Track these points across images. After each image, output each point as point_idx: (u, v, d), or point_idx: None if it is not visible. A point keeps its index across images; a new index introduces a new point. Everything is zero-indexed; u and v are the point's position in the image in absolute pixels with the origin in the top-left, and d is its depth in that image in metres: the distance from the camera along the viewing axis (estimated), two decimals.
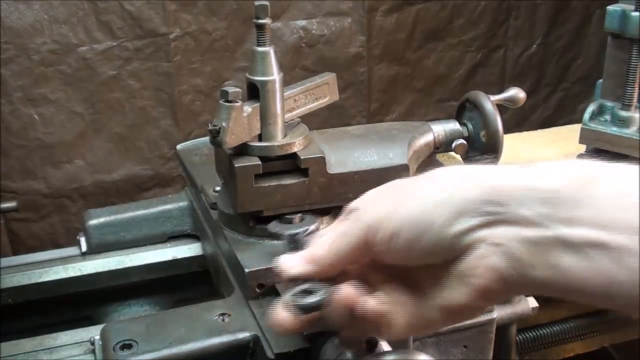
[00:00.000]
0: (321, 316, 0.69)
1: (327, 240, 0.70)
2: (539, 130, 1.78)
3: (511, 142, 1.40)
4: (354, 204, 0.72)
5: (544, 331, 1.34)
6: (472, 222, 0.62)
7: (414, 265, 0.68)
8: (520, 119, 2.76)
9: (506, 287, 0.62)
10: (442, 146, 1.11)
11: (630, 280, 0.56)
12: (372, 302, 0.68)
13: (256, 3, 0.92)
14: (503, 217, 0.60)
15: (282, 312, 0.70)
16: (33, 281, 1.12)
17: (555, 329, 1.35)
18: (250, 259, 0.93)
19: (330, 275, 0.71)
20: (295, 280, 0.71)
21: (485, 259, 0.61)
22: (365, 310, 0.67)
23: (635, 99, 1.34)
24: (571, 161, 0.62)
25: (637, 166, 0.59)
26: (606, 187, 0.58)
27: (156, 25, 2.15)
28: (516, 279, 0.61)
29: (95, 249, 1.17)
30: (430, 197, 0.64)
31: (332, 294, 0.68)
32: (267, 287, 0.91)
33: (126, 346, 0.83)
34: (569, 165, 0.61)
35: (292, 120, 1.01)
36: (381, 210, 0.67)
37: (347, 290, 0.67)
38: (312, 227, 0.83)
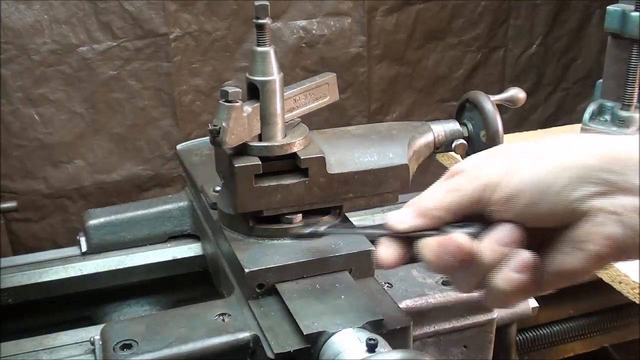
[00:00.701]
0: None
1: (437, 194, 0.72)
2: (539, 130, 1.78)
3: (511, 142, 1.40)
4: (459, 166, 0.73)
5: (544, 331, 1.34)
6: (592, 189, 0.63)
7: (528, 226, 0.68)
8: (520, 119, 2.76)
9: (620, 253, 0.64)
10: (442, 146, 1.11)
11: None
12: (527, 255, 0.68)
13: (256, 3, 0.92)
14: (621, 186, 0.62)
15: (384, 249, 0.73)
16: (33, 281, 1.13)
17: (555, 329, 1.35)
18: (250, 259, 0.93)
19: (441, 225, 0.72)
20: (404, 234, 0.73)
21: (603, 226, 0.63)
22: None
23: (635, 99, 1.35)
24: None
25: None
26: None
27: (156, 26, 2.15)
28: (631, 246, 0.63)
29: (95, 249, 1.17)
30: (550, 160, 0.65)
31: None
32: (267, 287, 0.91)
33: (126, 346, 0.83)
34: None
35: (292, 120, 1.01)
36: (499, 171, 0.68)
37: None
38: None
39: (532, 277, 0.68)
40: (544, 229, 0.68)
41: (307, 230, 0.92)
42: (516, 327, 1.17)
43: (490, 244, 0.68)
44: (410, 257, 0.75)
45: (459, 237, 0.69)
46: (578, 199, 0.64)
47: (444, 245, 0.69)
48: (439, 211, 0.71)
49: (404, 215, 0.73)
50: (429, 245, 0.71)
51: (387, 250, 0.74)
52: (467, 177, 0.71)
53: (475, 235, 0.70)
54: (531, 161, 0.67)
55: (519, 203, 0.67)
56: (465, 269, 0.69)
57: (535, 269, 0.68)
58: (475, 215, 0.71)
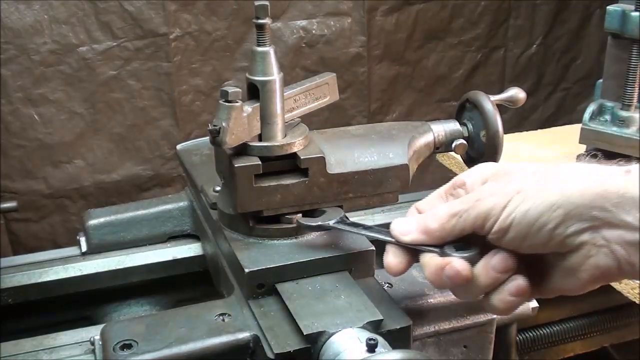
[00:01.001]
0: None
1: (441, 215, 0.77)
2: (539, 130, 1.78)
3: (511, 142, 1.40)
4: (463, 178, 0.80)
5: (544, 331, 1.34)
6: (581, 225, 0.69)
7: (523, 253, 0.74)
8: (520, 119, 2.76)
9: (609, 277, 0.72)
10: (442, 146, 1.11)
11: None
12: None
13: (256, 3, 0.92)
14: (607, 220, 0.68)
15: (391, 257, 0.81)
16: (33, 281, 1.12)
17: (555, 329, 1.35)
18: (250, 259, 0.93)
19: (442, 243, 0.78)
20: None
21: (591, 257, 0.70)
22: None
23: (635, 99, 1.34)
24: None
25: None
26: None
27: (156, 26, 2.15)
28: (617, 273, 0.70)
29: (95, 249, 1.17)
30: (542, 199, 0.70)
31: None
32: (267, 287, 0.91)
33: (126, 346, 0.83)
34: None
35: (292, 120, 1.01)
36: (496, 203, 0.73)
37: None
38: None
39: (527, 298, 0.76)
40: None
41: (316, 224, 0.95)
42: (516, 327, 1.17)
43: (486, 269, 0.75)
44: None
45: (458, 263, 0.75)
46: (568, 235, 0.70)
47: (443, 269, 0.76)
48: (441, 232, 0.77)
49: (408, 227, 0.80)
50: (429, 266, 0.78)
51: (395, 259, 0.81)
52: (469, 203, 0.75)
53: (472, 260, 0.77)
54: (529, 197, 0.71)
55: (514, 237, 0.72)
56: (463, 288, 0.77)
57: (530, 292, 0.75)
58: (476, 236, 0.77)
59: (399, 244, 0.81)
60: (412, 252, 0.81)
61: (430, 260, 0.78)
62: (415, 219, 0.80)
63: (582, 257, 0.71)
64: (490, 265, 0.75)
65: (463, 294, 0.79)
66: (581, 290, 0.75)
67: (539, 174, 0.74)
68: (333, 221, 0.95)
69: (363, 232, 0.91)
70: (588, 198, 0.68)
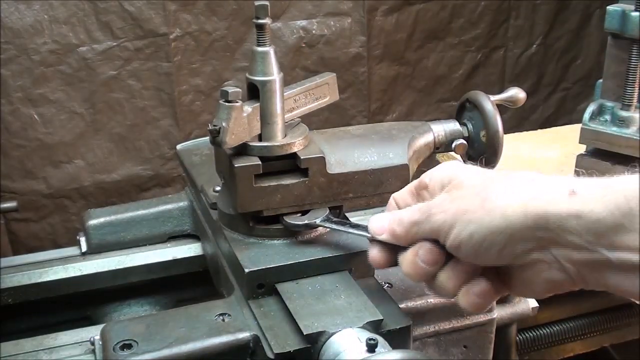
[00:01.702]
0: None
1: (404, 222, 0.80)
2: (539, 130, 1.78)
3: (511, 142, 1.40)
4: (425, 179, 0.84)
5: (544, 331, 1.34)
6: (527, 246, 0.70)
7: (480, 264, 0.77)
8: (520, 119, 2.76)
9: (564, 289, 0.73)
10: (442, 146, 1.11)
11: None
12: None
13: (256, 3, 0.92)
14: (553, 240, 0.69)
15: (374, 251, 0.85)
16: (33, 281, 1.12)
17: (555, 329, 1.35)
18: (250, 259, 0.93)
19: (410, 244, 0.81)
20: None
21: (544, 272, 0.72)
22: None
23: (635, 99, 1.34)
24: (613, 181, 0.67)
25: None
26: None
27: (156, 26, 2.15)
28: (571, 285, 0.72)
29: (95, 249, 1.17)
30: (485, 224, 0.71)
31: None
32: (267, 287, 0.91)
33: (126, 346, 0.83)
34: (612, 188, 0.66)
35: (292, 120, 1.01)
36: (445, 221, 0.75)
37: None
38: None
39: (491, 299, 0.78)
40: None
41: (302, 222, 0.96)
42: (516, 327, 1.17)
43: (449, 275, 0.78)
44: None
45: (427, 245, 0.78)
46: (518, 254, 0.71)
47: (417, 255, 0.79)
48: (406, 237, 0.80)
49: (382, 226, 0.83)
50: (404, 261, 0.81)
51: (378, 253, 0.84)
52: (425, 214, 0.78)
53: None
54: (473, 221, 0.72)
55: (466, 254, 0.74)
56: (435, 288, 0.80)
57: (495, 293, 0.77)
58: None
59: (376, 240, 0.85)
60: (393, 248, 0.83)
61: (403, 255, 0.81)
62: (388, 218, 0.83)
63: (536, 272, 0.72)
64: (452, 270, 0.78)
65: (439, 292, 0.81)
66: (542, 297, 0.78)
67: (485, 190, 0.74)
68: (319, 219, 0.96)
69: (350, 230, 0.91)
70: (530, 220, 0.69)
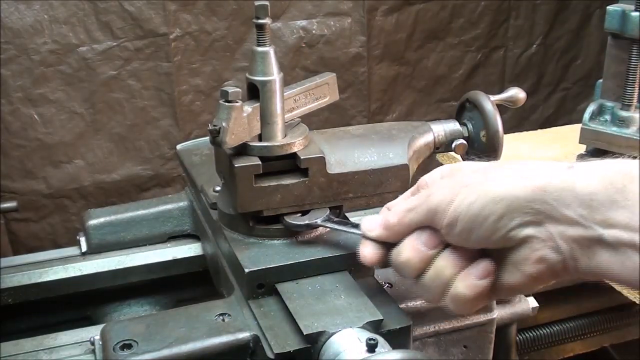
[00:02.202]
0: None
1: (399, 211, 0.81)
2: (539, 130, 1.78)
3: (511, 142, 1.40)
4: (424, 178, 0.83)
5: (544, 331, 1.34)
6: (523, 219, 0.70)
7: (470, 248, 0.76)
8: (520, 119, 2.76)
9: (555, 274, 0.72)
10: (442, 146, 1.11)
11: None
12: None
13: (256, 3, 0.92)
14: (549, 214, 0.69)
15: (366, 249, 0.84)
16: (33, 281, 1.12)
17: (555, 329, 1.35)
18: (250, 259, 0.93)
19: (401, 238, 0.80)
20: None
21: (536, 251, 0.71)
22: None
23: (635, 99, 1.34)
24: (611, 161, 0.69)
25: None
26: (638, 189, 0.65)
27: (156, 25, 2.15)
28: (562, 269, 0.71)
29: (95, 249, 1.17)
30: (485, 192, 0.72)
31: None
32: (267, 287, 0.91)
33: (126, 346, 0.83)
34: (608, 166, 0.68)
35: (292, 120, 1.01)
36: (445, 196, 0.75)
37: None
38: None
39: (491, 283, 0.75)
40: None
41: (303, 222, 0.96)
42: (516, 327, 1.17)
43: (447, 258, 0.77)
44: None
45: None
46: (512, 228, 0.71)
47: (418, 235, 0.79)
48: (399, 227, 0.80)
49: (374, 224, 0.84)
50: (396, 256, 0.80)
51: (368, 250, 0.84)
52: (422, 199, 0.78)
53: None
54: (471, 192, 0.73)
55: (462, 230, 0.74)
56: (431, 278, 0.78)
57: (494, 275, 0.76)
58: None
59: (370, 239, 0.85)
60: (384, 246, 0.83)
61: (402, 243, 0.80)
62: (381, 216, 0.84)
63: (528, 251, 0.72)
64: (450, 254, 0.77)
65: (431, 287, 0.79)
66: (528, 288, 0.77)
67: (486, 170, 0.76)
68: (320, 219, 0.96)
69: (351, 230, 0.91)
70: (530, 191, 0.69)
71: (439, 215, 0.75)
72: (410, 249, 0.79)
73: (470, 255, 0.76)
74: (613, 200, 0.65)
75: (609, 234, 0.66)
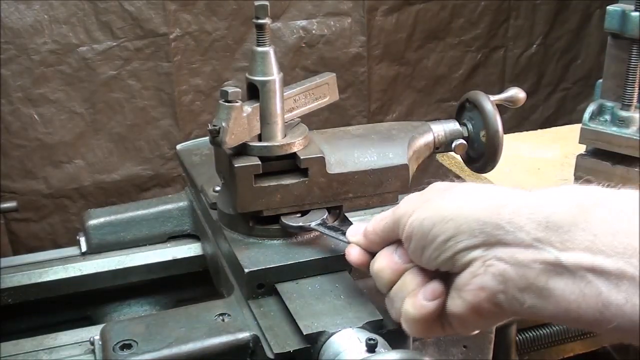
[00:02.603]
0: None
1: (375, 219, 0.81)
2: (539, 130, 1.78)
3: (511, 142, 1.40)
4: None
5: (544, 331, 1.34)
6: (471, 242, 0.66)
7: (424, 267, 0.74)
8: (520, 119, 2.76)
9: (496, 307, 0.66)
10: (442, 146, 1.11)
11: (629, 304, 0.57)
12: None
13: (256, 3, 0.92)
14: (501, 238, 0.64)
15: (352, 249, 0.85)
16: (33, 281, 1.12)
17: (555, 329, 1.34)
18: (250, 259, 0.93)
19: (378, 248, 0.81)
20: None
21: (476, 277, 0.66)
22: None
23: (635, 99, 1.34)
24: (572, 187, 0.65)
25: (637, 191, 0.61)
26: (604, 211, 0.60)
27: (156, 25, 2.15)
28: (504, 300, 0.65)
29: (95, 249, 1.17)
30: (438, 211, 0.70)
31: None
32: (267, 287, 0.91)
33: (126, 346, 0.83)
34: (570, 191, 0.64)
35: (292, 120, 1.01)
36: (407, 209, 0.74)
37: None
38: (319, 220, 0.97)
39: (439, 307, 0.71)
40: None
41: (297, 224, 0.96)
42: (516, 327, 1.17)
43: (413, 274, 0.75)
44: None
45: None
46: (460, 250, 0.67)
47: (394, 247, 0.78)
48: (374, 235, 0.81)
49: (357, 230, 0.85)
50: (374, 260, 0.81)
51: (354, 251, 0.85)
52: (393, 209, 0.78)
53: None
54: (429, 208, 0.72)
55: (415, 246, 0.73)
56: (395, 292, 0.77)
57: (444, 298, 0.72)
58: None
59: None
60: (372, 255, 0.83)
61: (379, 253, 0.80)
62: (364, 224, 0.85)
63: (469, 275, 0.67)
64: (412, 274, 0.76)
65: (392, 306, 0.78)
66: (473, 322, 0.70)
67: (450, 189, 0.74)
68: (314, 223, 0.96)
69: (340, 237, 0.91)
70: (482, 214, 0.66)
71: (400, 228, 0.75)
72: (384, 259, 0.79)
73: (434, 275, 0.73)
74: (573, 223, 0.60)
75: (568, 257, 0.60)
